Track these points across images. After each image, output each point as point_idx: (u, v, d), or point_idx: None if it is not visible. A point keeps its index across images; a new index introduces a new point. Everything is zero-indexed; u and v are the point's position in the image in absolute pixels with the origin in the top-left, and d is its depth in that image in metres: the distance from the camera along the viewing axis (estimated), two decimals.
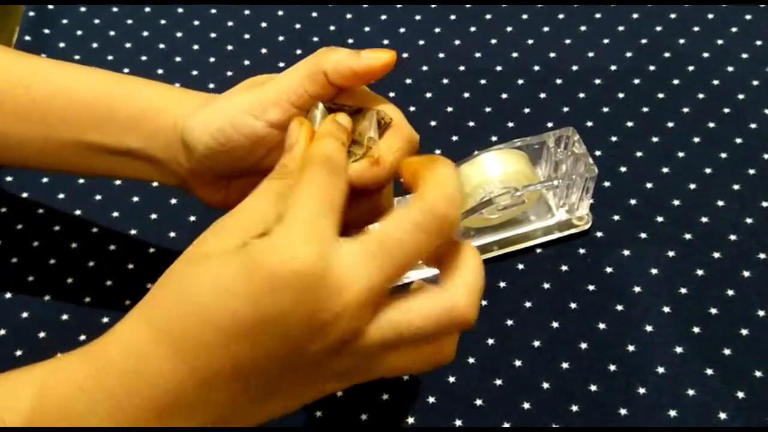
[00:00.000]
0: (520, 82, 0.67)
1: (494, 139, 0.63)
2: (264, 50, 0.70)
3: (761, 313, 0.53)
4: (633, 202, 0.59)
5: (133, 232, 0.60)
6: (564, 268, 0.56)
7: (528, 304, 0.55)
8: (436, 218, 0.35)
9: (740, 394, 0.50)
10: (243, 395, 0.36)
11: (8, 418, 0.36)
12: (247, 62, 0.70)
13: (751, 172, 0.60)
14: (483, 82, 0.67)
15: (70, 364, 0.37)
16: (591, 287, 0.55)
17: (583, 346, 0.53)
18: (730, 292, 0.54)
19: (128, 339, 0.36)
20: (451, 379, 0.52)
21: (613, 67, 0.67)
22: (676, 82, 0.66)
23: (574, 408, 0.50)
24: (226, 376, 0.35)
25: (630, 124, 0.63)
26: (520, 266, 0.57)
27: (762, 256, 0.56)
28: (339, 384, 0.38)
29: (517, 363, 0.52)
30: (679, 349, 0.52)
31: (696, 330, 0.53)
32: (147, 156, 0.47)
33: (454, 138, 0.64)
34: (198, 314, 0.34)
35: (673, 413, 0.50)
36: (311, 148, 0.39)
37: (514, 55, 0.69)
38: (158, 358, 0.35)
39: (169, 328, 0.35)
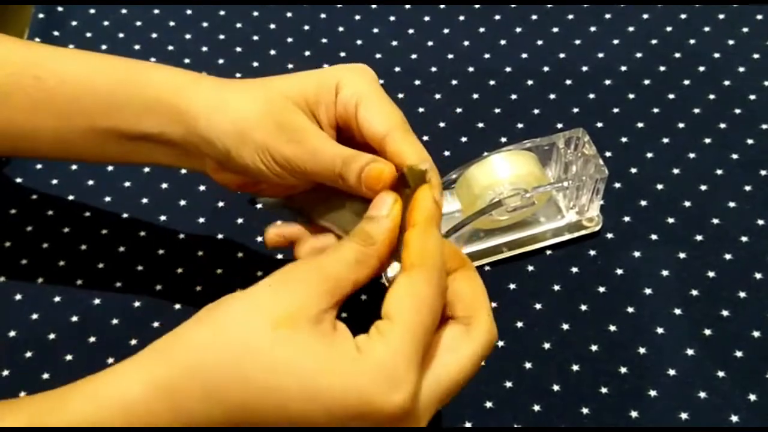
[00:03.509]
0: (530, 83, 0.67)
1: (504, 140, 0.63)
2: (273, 52, 0.70)
3: None
4: (643, 203, 0.59)
5: (142, 233, 0.60)
6: (574, 269, 0.56)
7: (538, 306, 0.55)
8: (491, 345, 0.39)
9: (752, 397, 0.50)
10: None
11: None
12: (255, 64, 0.70)
13: (763, 173, 0.60)
14: (492, 83, 0.67)
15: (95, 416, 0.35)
16: (601, 289, 0.55)
17: (594, 348, 0.53)
18: (742, 294, 0.54)
19: (172, 393, 0.35)
20: None
21: (624, 68, 0.67)
22: (686, 82, 0.65)
23: (585, 410, 0.50)
24: None
25: (640, 125, 0.63)
26: (530, 268, 0.57)
27: None
28: None
29: (528, 365, 0.52)
30: (690, 352, 0.52)
31: (707, 332, 0.53)
32: (163, 140, 0.46)
33: (464, 139, 0.64)
34: (274, 407, 0.34)
35: (684, 416, 0.49)
36: (423, 244, 0.38)
37: (524, 56, 0.69)
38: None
39: (232, 406, 0.35)
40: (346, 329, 0.37)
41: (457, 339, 0.38)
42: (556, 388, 0.51)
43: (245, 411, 0.34)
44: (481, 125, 0.64)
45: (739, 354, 0.52)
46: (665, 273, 0.55)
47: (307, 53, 0.70)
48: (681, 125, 0.63)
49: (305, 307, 0.36)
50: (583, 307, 0.54)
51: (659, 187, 0.60)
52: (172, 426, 0.35)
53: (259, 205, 0.55)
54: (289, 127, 0.43)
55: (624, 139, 0.62)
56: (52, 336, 0.55)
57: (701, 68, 0.66)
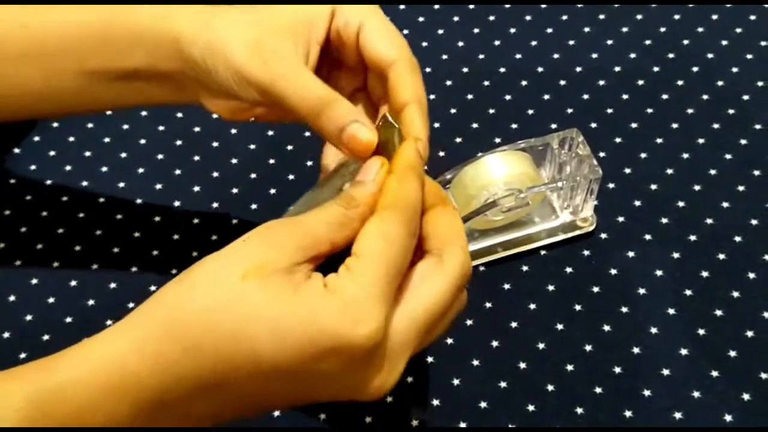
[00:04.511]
0: (524, 83, 0.67)
1: (498, 140, 0.63)
2: None
3: (767, 314, 0.53)
4: (637, 203, 0.59)
5: (136, 234, 0.60)
6: (568, 270, 0.56)
7: (532, 306, 0.55)
8: (465, 276, 0.38)
9: (746, 396, 0.50)
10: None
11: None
12: None
13: (756, 173, 0.60)
14: (486, 83, 0.67)
15: (78, 373, 0.36)
16: (595, 289, 0.55)
17: (588, 348, 0.53)
18: (736, 294, 0.54)
19: (156, 356, 0.35)
20: (456, 382, 0.52)
21: (617, 68, 0.67)
22: (680, 83, 0.65)
23: (579, 410, 0.50)
24: (246, 406, 0.37)
25: (634, 125, 0.63)
26: (525, 268, 0.57)
27: (767, 257, 0.56)
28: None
29: (522, 365, 0.52)
30: (684, 351, 0.52)
31: (701, 332, 0.53)
32: (154, 73, 0.46)
33: (458, 140, 0.64)
34: (246, 355, 0.34)
35: (678, 415, 0.50)
36: (398, 188, 0.38)
37: (518, 56, 0.69)
38: (190, 385, 0.35)
39: (207, 358, 0.35)
40: (319, 276, 0.36)
41: (429, 271, 0.38)
42: (550, 388, 0.51)
43: (220, 361, 0.34)
44: (475, 126, 0.64)
45: (733, 354, 0.52)
46: (659, 273, 0.55)
47: None
48: (675, 125, 0.63)
49: (276, 259, 0.35)
50: (578, 307, 0.54)
51: (653, 187, 0.60)
52: (157, 384, 0.35)
53: None
54: (268, 52, 0.43)
55: (618, 140, 0.63)
56: (46, 337, 0.55)
57: (695, 69, 0.66)
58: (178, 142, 0.65)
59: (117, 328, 0.37)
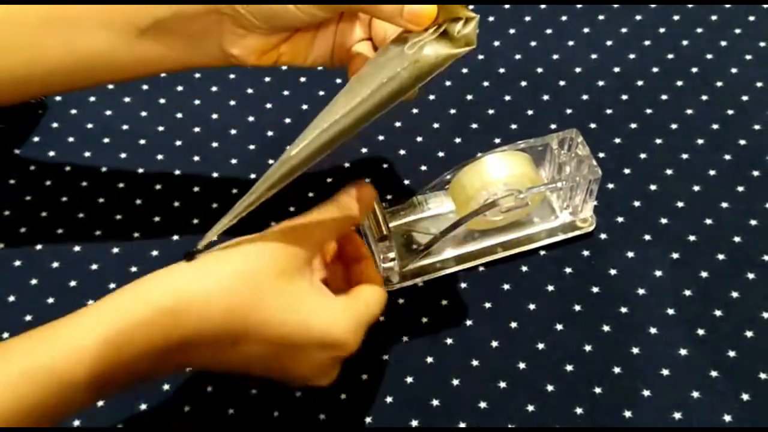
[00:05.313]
0: (524, 83, 0.67)
1: (497, 141, 0.63)
2: None
3: (766, 315, 0.53)
4: (637, 204, 0.59)
5: (136, 234, 0.60)
6: (568, 270, 0.56)
7: (532, 307, 0.55)
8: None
9: (745, 397, 0.50)
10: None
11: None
12: None
13: (756, 173, 0.60)
14: (486, 84, 0.67)
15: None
16: (595, 290, 0.55)
17: (587, 348, 0.53)
18: (735, 294, 0.54)
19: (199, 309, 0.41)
20: (455, 382, 0.52)
21: (617, 69, 0.67)
22: (679, 83, 0.66)
23: (579, 410, 0.50)
24: (236, 367, 0.45)
25: (633, 125, 0.63)
26: (524, 269, 0.57)
27: (766, 258, 0.56)
28: None
29: (521, 366, 0.52)
30: (683, 352, 0.52)
31: (700, 332, 0.53)
32: (177, 23, 0.46)
33: (457, 140, 0.64)
34: (274, 333, 0.42)
35: (677, 416, 0.50)
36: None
37: (517, 57, 0.69)
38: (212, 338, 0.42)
39: (239, 322, 0.42)
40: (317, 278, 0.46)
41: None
42: (550, 388, 0.51)
43: (249, 326, 0.42)
44: (475, 126, 0.64)
45: (732, 354, 0.52)
46: (658, 273, 0.56)
47: None
48: (674, 126, 0.63)
49: (293, 263, 0.44)
50: (577, 308, 0.55)
51: (652, 187, 0.60)
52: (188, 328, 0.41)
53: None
54: None
55: (617, 140, 0.63)
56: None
57: (694, 69, 0.66)
58: (178, 143, 0.65)
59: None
